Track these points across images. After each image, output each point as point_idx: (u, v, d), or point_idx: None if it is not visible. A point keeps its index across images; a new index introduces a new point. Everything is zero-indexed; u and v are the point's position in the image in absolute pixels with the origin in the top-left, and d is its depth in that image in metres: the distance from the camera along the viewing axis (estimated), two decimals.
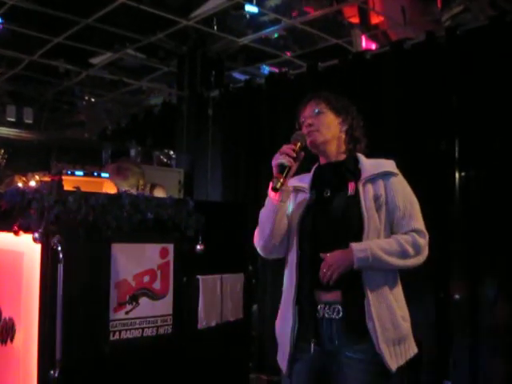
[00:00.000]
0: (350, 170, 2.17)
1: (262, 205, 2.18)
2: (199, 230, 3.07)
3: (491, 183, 3.56)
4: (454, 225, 3.70)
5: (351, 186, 2.11)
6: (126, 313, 2.79)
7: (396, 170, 2.16)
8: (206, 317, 3.09)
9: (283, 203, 2.12)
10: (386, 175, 2.13)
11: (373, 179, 2.11)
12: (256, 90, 5.29)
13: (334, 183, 2.17)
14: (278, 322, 2.22)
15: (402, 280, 2.13)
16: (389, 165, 2.18)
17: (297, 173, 2.18)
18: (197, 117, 5.92)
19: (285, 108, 4.82)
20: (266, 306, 4.67)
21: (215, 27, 5.55)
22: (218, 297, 3.18)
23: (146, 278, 2.87)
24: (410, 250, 2.03)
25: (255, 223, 2.23)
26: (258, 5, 5.11)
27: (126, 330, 2.78)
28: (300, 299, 2.09)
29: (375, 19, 5.67)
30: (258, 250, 2.23)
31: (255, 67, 6.66)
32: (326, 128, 2.20)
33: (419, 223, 2.10)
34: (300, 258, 2.11)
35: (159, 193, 3.90)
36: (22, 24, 5.49)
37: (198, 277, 3.09)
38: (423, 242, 2.07)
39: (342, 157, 2.23)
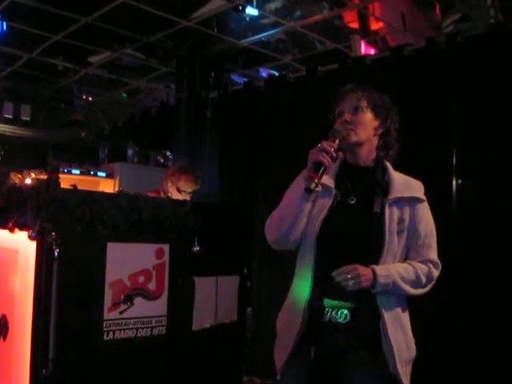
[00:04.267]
0: (379, 181, 2.09)
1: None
2: (195, 231, 3.06)
3: (489, 191, 3.56)
4: (451, 232, 3.69)
5: (378, 203, 2.03)
6: (121, 313, 2.77)
7: (423, 196, 2.12)
8: (200, 318, 3.08)
9: (310, 203, 2.03)
10: (414, 200, 2.09)
11: (400, 201, 2.05)
12: (255, 92, 5.29)
13: (360, 191, 2.08)
14: (282, 317, 2.17)
15: None
16: (418, 188, 2.13)
17: None
18: (195, 118, 5.91)
19: (283, 111, 4.82)
20: (260, 309, 4.66)
21: (215, 29, 5.55)
22: (213, 298, 3.17)
23: (141, 279, 2.85)
24: (424, 281, 2.04)
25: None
26: (258, 7, 5.11)
27: (120, 330, 2.76)
28: (310, 303, 2.03)
29: (375, 25, 5.68)
30: (270, 241, 2.13)
31: (253, 70, 6.66)
32: (363, 129, 2.07)
33: (435, 254, 2.11)
34: (316, 261, 2.03)
35: None
36: (21, 21, 5.47)
37: (194, 278, 3.08)
38: (436, 273, 2.09)
39: (371, 162, 2.12)
